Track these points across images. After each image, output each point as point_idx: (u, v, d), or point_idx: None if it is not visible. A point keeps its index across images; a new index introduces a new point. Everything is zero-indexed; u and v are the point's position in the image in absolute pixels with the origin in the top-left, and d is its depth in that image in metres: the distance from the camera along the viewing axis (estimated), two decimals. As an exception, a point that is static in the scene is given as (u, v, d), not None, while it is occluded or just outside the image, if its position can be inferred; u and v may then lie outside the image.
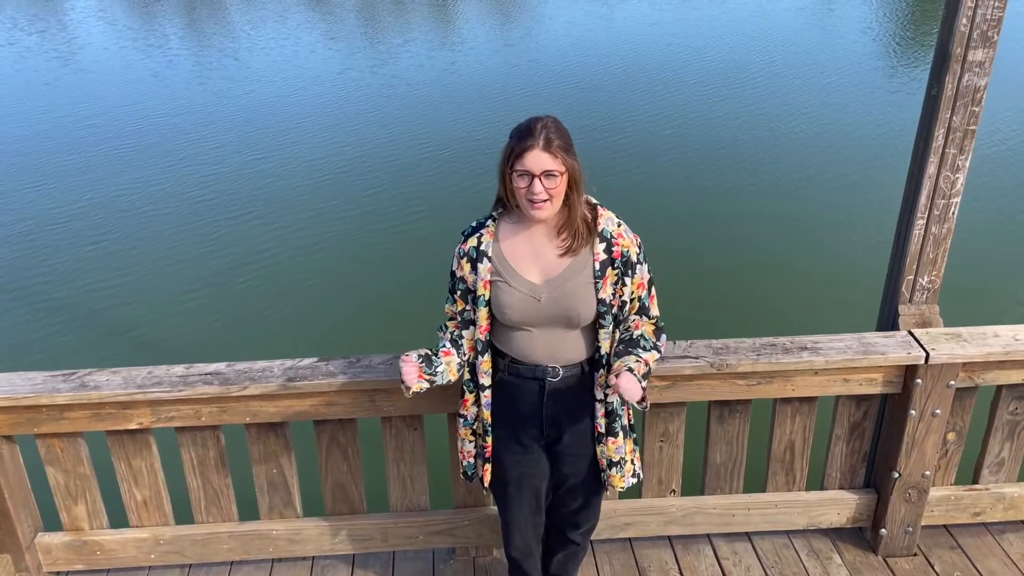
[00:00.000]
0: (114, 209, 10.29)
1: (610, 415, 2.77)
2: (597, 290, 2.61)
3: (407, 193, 10.48)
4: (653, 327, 2.78)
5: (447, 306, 2.82)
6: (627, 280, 2.64)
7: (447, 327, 2.81)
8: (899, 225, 3.41)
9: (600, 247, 2.62)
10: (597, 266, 2.61)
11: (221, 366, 3.22)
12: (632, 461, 2.88)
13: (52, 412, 3.16)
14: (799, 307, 7.49)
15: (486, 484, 2.91)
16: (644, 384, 2.58)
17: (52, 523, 3.49)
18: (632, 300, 2.69)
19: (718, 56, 16.55)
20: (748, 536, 3.68)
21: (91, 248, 9.32)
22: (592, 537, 3.28)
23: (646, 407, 2.67)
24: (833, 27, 19.34)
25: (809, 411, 3.42)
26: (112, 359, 6.94)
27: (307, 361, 3.24)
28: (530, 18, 21.32)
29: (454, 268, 2.73)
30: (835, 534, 3.69)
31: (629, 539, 3.66)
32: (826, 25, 19.56)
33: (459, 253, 2.71)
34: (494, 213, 2.72)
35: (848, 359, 3.22)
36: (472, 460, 2.92)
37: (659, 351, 2.74)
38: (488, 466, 2.87)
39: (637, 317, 2.75)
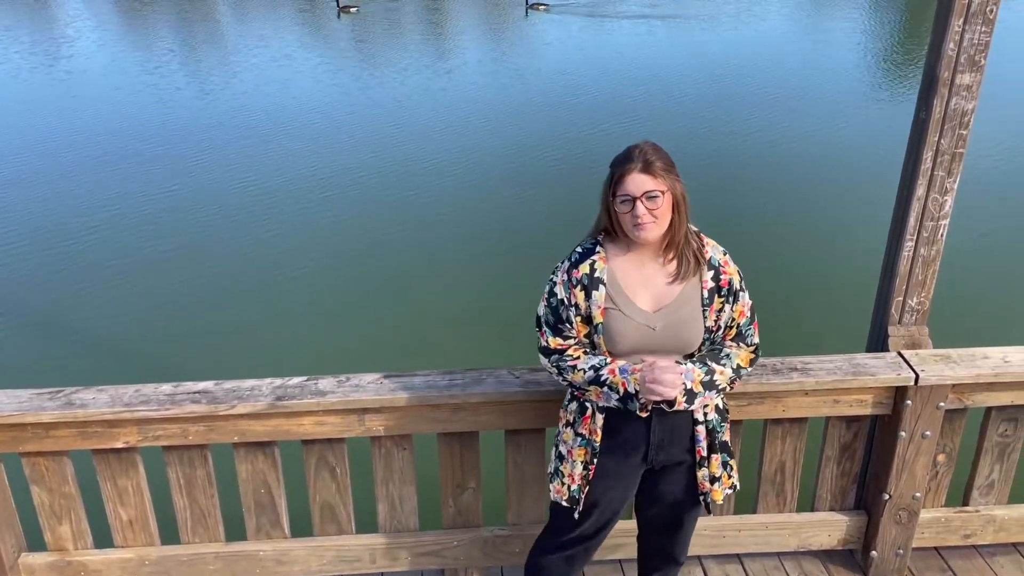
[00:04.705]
0: (105, 225, 10.26)
1: (711, 434, 2.74)
2: (705, 318, 2.63)
3: (410, 216, 10.50)
4: (750, 356, 2.76)
5: (553, 339, 2.68)
6: (727, 307, 2.66)
7: (567, 355, 2.65)
8: (888, 247, 3.43)
9: (708, 275, 2.65)
10: (705, 294, 2.63)
11: (209, 384, 3.19)
12: (730, 474, 2.85)
13: (37, 430, 3.12)
14: (789, 328, 7.50)
15: (581, 508, 2.80)
16: (702, 393, 2.59)
17: (36, 543, 3.44)
18: (729, 326, 2.70)
19: (710, 78, 16.66)
20: (739, 558, 3.66)
21: (79, 264, 9.28)
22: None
23: (685, 406, 2.60)
24: (822, 48, 19.51)
25: (800, 432, 3.41)
26: (99, 377, 6.90)
27: (296, 380, 3.21)
28: (517, 40, 21.44)
29: (563, 296, 2.63)
30: (826, 556, 3.67)
31: (619, 560, 3.64)
32: (815, 47, 19.73)
33: (571, 280, 2.62)
34: (598, 239, 2.68)
35: (838, 380, 3.22)
36: (580, 483, 2.78)
37: (736, 373, 2.69)
38: (588, 488, 2.78)
39: (733, 343, 2.73)
